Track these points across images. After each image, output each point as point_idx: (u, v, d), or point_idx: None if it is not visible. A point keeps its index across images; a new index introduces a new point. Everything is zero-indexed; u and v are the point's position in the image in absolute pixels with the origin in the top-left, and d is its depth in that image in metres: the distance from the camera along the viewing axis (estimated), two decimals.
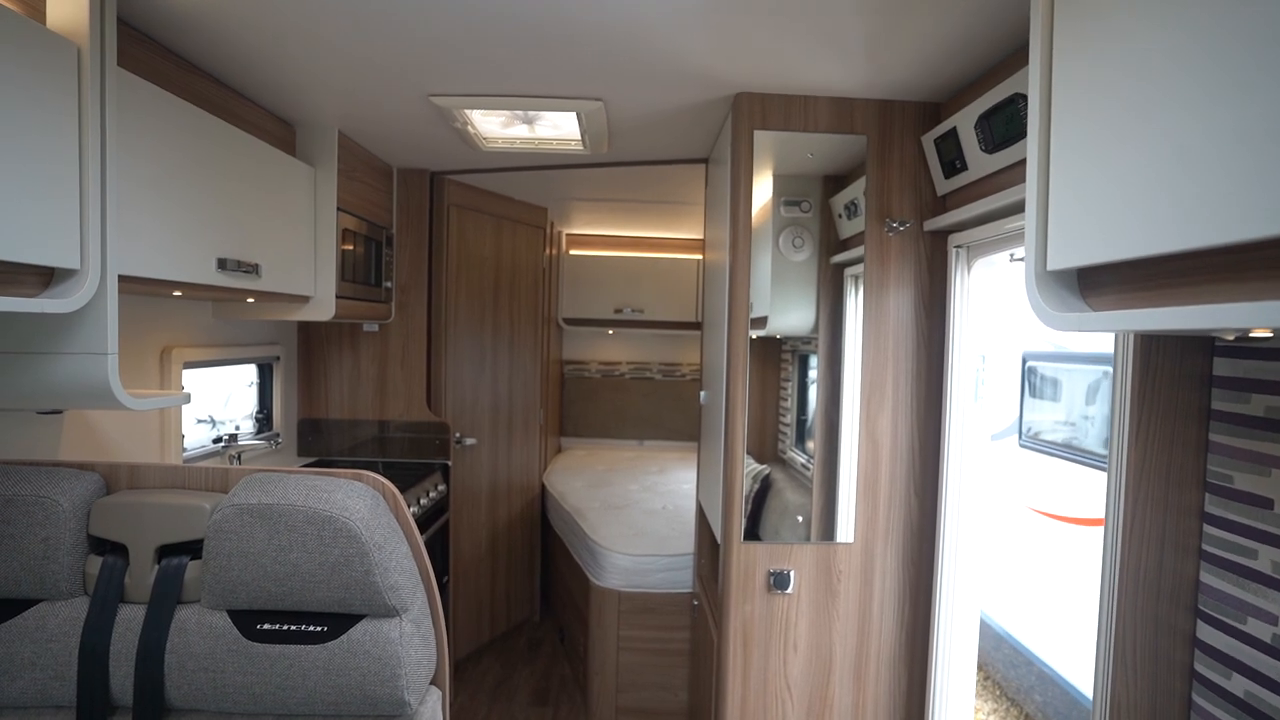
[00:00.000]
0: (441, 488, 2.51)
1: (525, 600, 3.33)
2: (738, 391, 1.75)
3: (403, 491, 2.19)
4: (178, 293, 1.54)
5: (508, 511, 3.15)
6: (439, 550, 2.52)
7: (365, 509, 1.10)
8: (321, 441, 2.61)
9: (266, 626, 1.09)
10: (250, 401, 2.39)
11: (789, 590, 1.73)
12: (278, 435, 2.41)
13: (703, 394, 2.28)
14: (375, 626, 1.09)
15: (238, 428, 2.28)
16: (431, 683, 1.22)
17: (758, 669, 1.76)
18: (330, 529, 1.06)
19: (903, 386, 1.72)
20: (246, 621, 1.10)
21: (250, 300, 1.90)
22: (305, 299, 1.99)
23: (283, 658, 1.08)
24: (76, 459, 1.50)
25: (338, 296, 2.03)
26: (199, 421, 2.04)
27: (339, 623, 1.10)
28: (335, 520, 1.06)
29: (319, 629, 1.09)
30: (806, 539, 1.73)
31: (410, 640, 1.11)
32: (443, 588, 2.55)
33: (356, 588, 1.07)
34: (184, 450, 1.90)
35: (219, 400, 2.23)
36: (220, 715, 1.12)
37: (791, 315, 1.79)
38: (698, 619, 2.26)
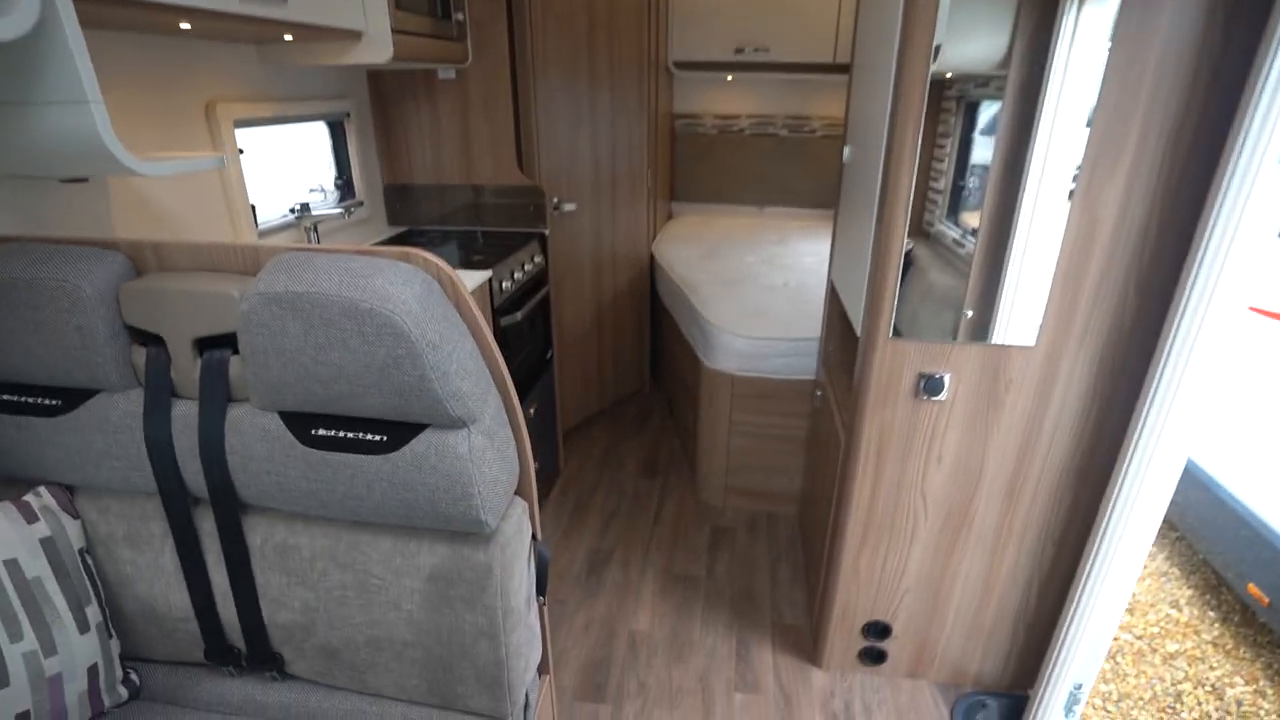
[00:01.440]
0: (539, 259, 2.29)
1: (634, 373, 3.27)
2: (904, 147, 1.29)
3: (496, 263, 2.01)
4: (185, 25, 1.23)
5: (613, 282, 2.94)
6: (541, 324, 2.38)
7: (414, 299, 0.86)
8: (410, 209, 2.41)
9: (322, 432, 0.95)
10: (327, 166, 2.17)
11: (941, 397, 1.43)
12: (360, 203, 2.21)
13: (847, 150, 1.80)
14: (440, 439, 0.91)
15: (323, 192, 2.10)
16: (516, 493, 1.08)
17: (891, 479, 1.54)
18: (372, 324, 0.84)
19: (1152, 146, 1.19)
20: (300, 425, 0.95)
21: (289, 38, 1.56)
22: (356, 35, 1.62)
23: (344, 467, 0.94)
24: (127, 236, 1.36)
25: (395, 31, 1.65)
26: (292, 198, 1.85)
27: (400, 432, 0.93)
28: (377, 314, 0.84)
29: (378, 438, 0.93)
30: (951, 335, 1.37)
31: (482, 455, 0.93)
32: (547, 362, 2.46)
33: (412, 394, 0.88)
34: (257, 225, 1.74)
35: (294, 166, 2.02)
36: (298, 514, 1.04)
37: (974, 44, 1.24)
38: (821, 411, 2.04)
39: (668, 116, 3.56)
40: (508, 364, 2.09)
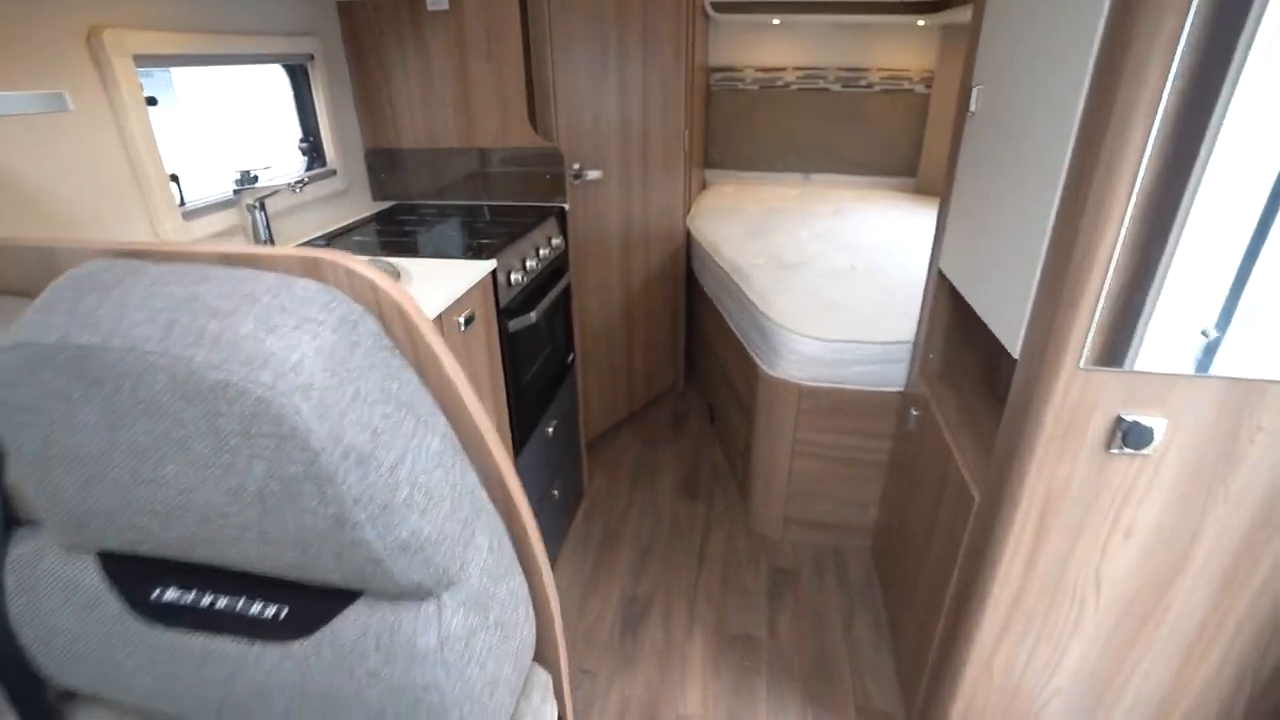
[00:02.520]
0: (558, 240, 1.84)
1: (667, 368, 2.83)
2: (1140, 91, 0.81)
3: (504, 248, 1.56)
4: None
5: (645, 264, 2.48)
6: (561, 322, 1.94)
7: (319, 363, 0.43)
8: (399, 180, 1.96)
9: (169, 597, 0.52)
10: (290, 125, 1.72)
11: (1147, 450, 0.98)
12: (332, 172, 1.77)
13: (976, 94, 1.32)
14: (385, 620, 0.49)
15: (267, 165, 1.66)
16: (535, 659, 0.65)
17: (1054, 553, 1.10)
18: (235, 416, 0.41)
19: None
20: (130, 579, 0.53)
21: None
22: None
23: (213, 658, 0.52)
24: None
25: None
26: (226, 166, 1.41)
27: (311, 603, 0.50)
28: (242, 396, 0.41)
29: (272, 612, 0.51)
30: (1177, 363, 0.91)
31: (467, 648, 0.50)
32: (568, 368, 2.03)
33: (324, 545, 0.45)
34: (182, 204, 1.31)
35: (251, 125, 1.58)
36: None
37: None
38: (918, 435, 1.60)
39: (703, 71, 3.05)
40: (519, 378, 1.67)
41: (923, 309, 1.65)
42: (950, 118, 3.23)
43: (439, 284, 1.24)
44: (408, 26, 1.77)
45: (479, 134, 1.87)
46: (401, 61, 1.81)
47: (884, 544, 1.89)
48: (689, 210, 2.86)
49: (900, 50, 3.07)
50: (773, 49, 3.17)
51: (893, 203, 3.04)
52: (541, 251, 1.71)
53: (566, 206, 1.91)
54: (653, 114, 2.29)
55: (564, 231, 1.91)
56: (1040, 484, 1.04)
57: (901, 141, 3.21)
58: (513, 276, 1.52)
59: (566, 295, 1.96)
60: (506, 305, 1.51)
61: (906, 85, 3.10)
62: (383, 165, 1.94)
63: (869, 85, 3.14)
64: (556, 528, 2.01)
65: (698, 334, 2.82)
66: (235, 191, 1.36)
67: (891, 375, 1.77)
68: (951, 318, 1.56)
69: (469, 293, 1.29)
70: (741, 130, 3.34)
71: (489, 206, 1.91)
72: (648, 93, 2.24)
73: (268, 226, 1.38)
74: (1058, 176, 0.93)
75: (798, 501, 2.02)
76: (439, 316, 1.17)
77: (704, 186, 3.42)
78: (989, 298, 1.20)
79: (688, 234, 2.69)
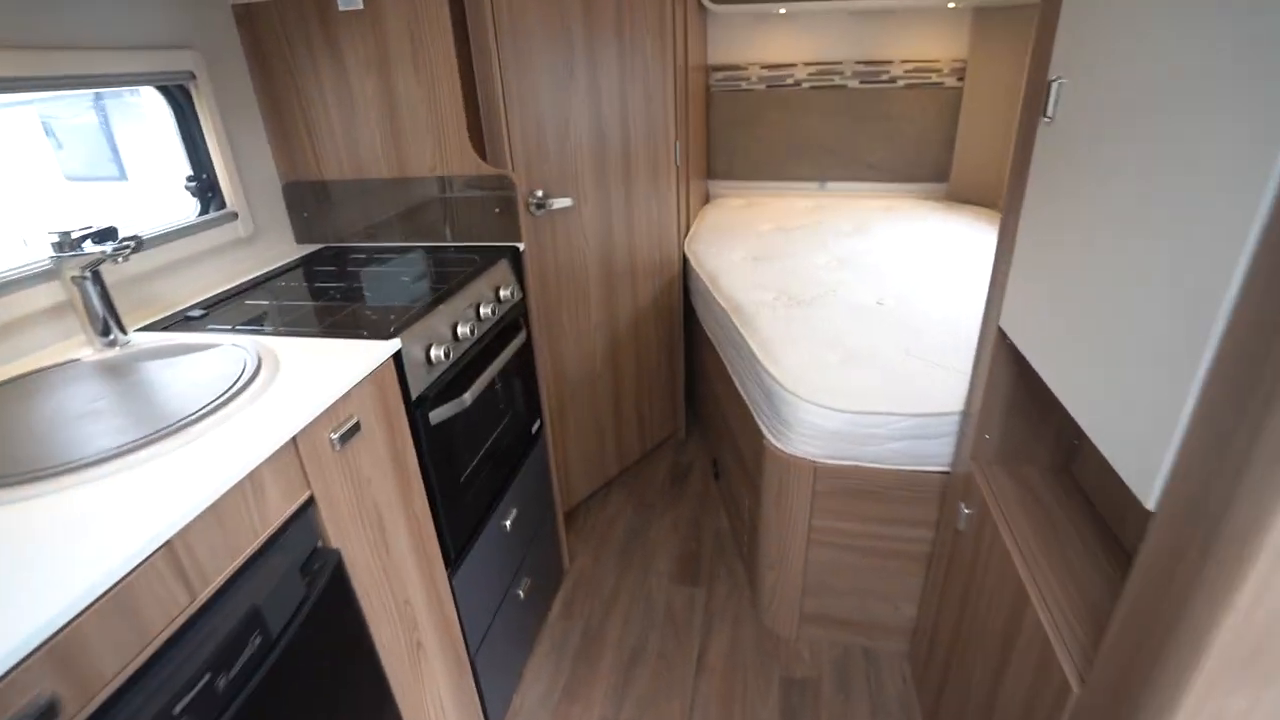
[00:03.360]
0: (509, 291, 1.49)
1: (665, 415, 2.47)
2: None
3: (421, 317, 0.96)
4: None
5: (632, 300, 2.13)
6: (520, 384, 1.59)
7: None
8: (326, 218, 1.63)
9: None
10: (177, 159, 1.39)
11: None
12: (233, 215, 1.44)
13: (1055, 91, 0.94)
14: None
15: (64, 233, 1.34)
16: None
17: None
18: None
19: None
20: None
21: None
22: None
23: None
24: None
25: None
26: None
27: None
28: None
29: None
30: None
31: None
32: (534, 437, 1.68)
33: None
34: None
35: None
36: None
37: None
38: (976, 537, 1.22)
39: (700, 70, 2.69)
40: (452, 477, 1.31)
41: (975, 373, 1.27)
42: (990, 113, 2.87)
43: (317, 378, 0.90)
44: (318, 33, 1.43)
45: (411, 162, 1.52)
46: (315, 77, 1.48)
47: (925, 652, 1.51)
48: (687, 231, 2.50)
49: (927, 38, 2.67)
50: (780, 43, 2.79)
51: (923, 214, 2.65)
52: (485, 309, 1.36)
53: (522, 247, 1.55)
54: (635, 124, 1.93)
55: (520, 277, 1.56)
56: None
57: (930, 143, 2.81)
58: (434, 353, 1.17)
59: (527, 352, 1.61)
60: (426, 391, 1.16)
61: (935, 78, 2.70)
62: (305, 202, 1.61)
63: (891, 80, 2.74)
64: (524, 632, 1.66)
65: (700, 373, 2.46)
66: (54, 258, 1.03)
67: (933, 451, 1.39)
68: (1016, 388, 1.18)
69: (353, 393, 0.94)
70: (748, 136, 2.96)
71: (427, 249, 1.57)
72: (627, 99, 1.88)
73: (105, 299, 1.05)
74: (1245, 225, 0.55)
75: (816, 596, 1.65)
76: (294, 441, 0.82)
77: (706, 200, 3.05)
78: (1086, 391, 0.82)
79: (684, 260, 2.33)
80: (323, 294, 1.29)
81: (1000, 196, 2.76)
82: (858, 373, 1.46)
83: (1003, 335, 1.15)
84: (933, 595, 1.47)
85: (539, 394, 1.69)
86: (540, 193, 1.69)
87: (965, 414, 1.31)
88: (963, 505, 1.27)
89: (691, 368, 2.54)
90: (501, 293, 1.44)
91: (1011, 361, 1.16)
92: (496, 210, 1.52)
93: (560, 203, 1.73)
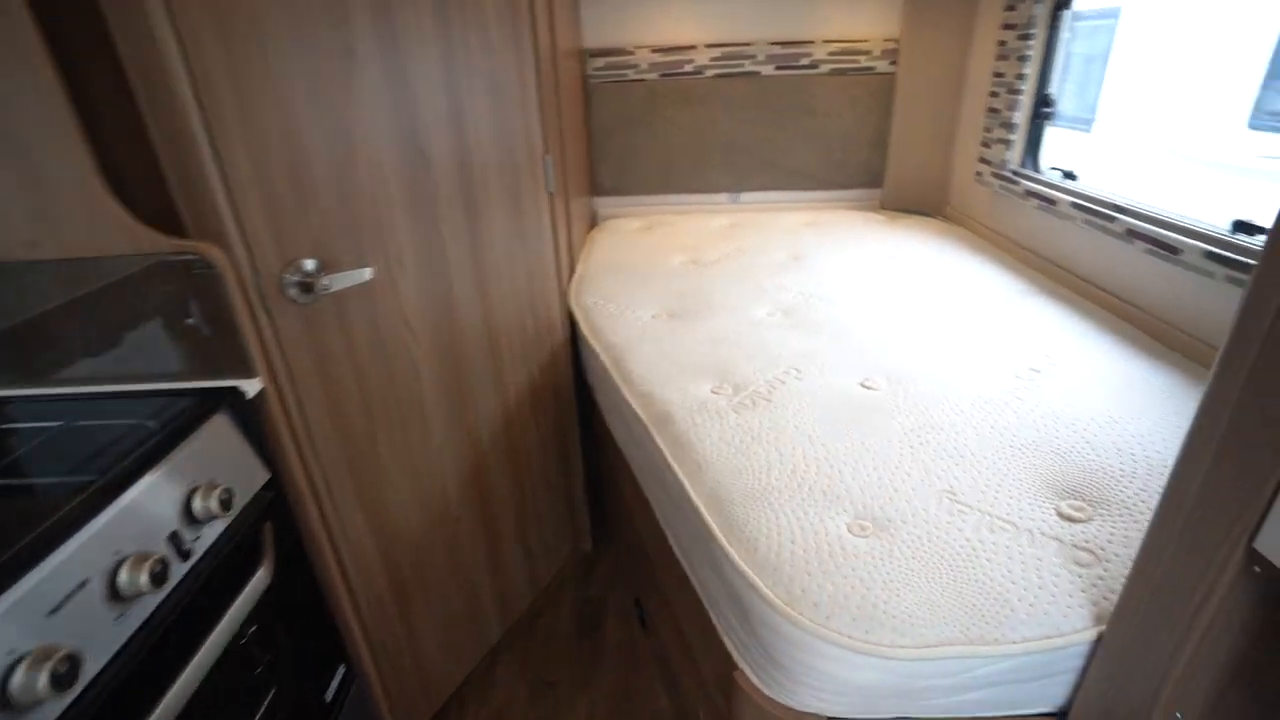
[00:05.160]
0: (225, 492, 0.74)
1: (560, 535, 1.79)
2: None
3: None
4: None
5: (497, 398, 1.43)
6: (289, 636, 0.85)
7: None
8: None
9: None
10: None
11: None
12: None
13: None
14: None
15: None
16: None
17: None
18: None
19: None
20: None
21: None
22: None
23: None
24: None
25: None
26: None
27: None
28: None
29: None
30: None
31: None
32: (334, 703, 0.95)
33: None
34: None
35: None
36: None
37: None
38: None
39: (574, 57, 2.01)
40: None
41: (1142, 594, 0.68)
42: (928, 102, 2.33)
43: None
44: None
45: (10, 234, 0.75)
46: None
47: None
48: (571, 274, 1.82)
49: (853, 13, 2.14)
50: (675, 20, 2.17)
51: (862, 230, 2.12)
52: (165, 557, 0.62)
53: (249, 388, 0.82)
54: (477, 134, 1.23)
55: (261, 444, 0.82)
56: None
57: (860, 141, 2.29)
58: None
59: (293, 576, 0.87)
60: None
61: (863, 61, 2.18)
62: None
63: (813, 64, 2.19)
64: None
65: (608, 473, 1.79)
66: None
67: (1033, 694, 0.80)
68: (1267, 651, 0.60)
69: None
70: (640, 139, 2.32)
71: (69, 401, 0.80)
72: (462, 98, 1.18)
73: None
74: None
75: None
76: None
77: (593, 224, 2.39)
78: None
79: (571, 321, 1.65)
80: None
81: (945, 204, 2.28)
82: (889, 557, 0.84)
83: (1254, 561, 0.56)
84: None
85: (338, 623, 0.96)
86: (310, 264, 0.95)
87: (1109, 649, 0.73)
88: None
89: (592, 457, 1.87)
90: (210, 503, 0.70)
91: (1266, 605, 0.58)
92: (188, 322, 0.78)
93: (350, 277, 0.99)
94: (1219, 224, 1.28)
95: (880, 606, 0.77)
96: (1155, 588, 0.65)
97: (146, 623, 0.64)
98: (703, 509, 0.95)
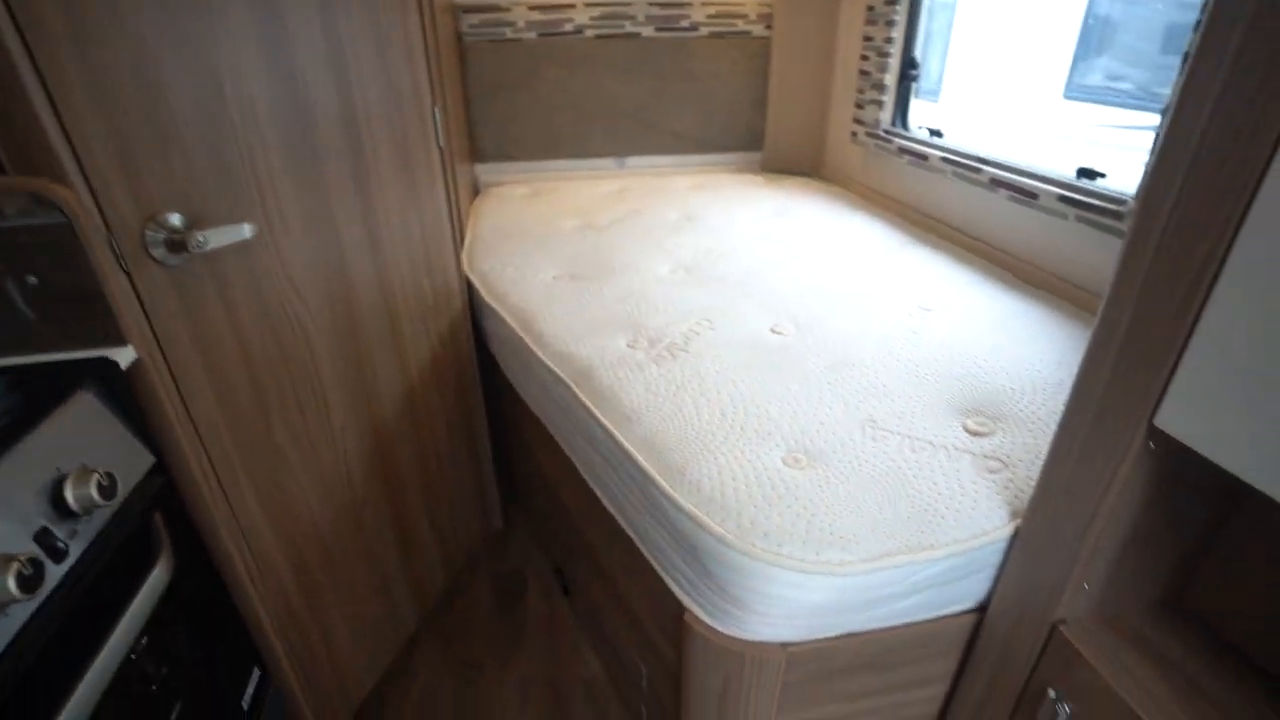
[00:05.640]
0: (116, 473, 0.63)
1: (473, 515, 1.71)
2: None
3: None
4: None
5: (398, 372, 1.34)
6: (197, 639, 0.75)
7: None
8: None
9: None
10: None
11: None
12: None
13: None
14: None
15: None
16: None
17: None
18: None
19: None
20: None
21: None
22: None
23: None
24: None
25: None
26: None
27: None
28: None
29: None
30: None
31: None
32: (252, 710, 0.85)
33: None
34: None
35: None
36: None
37: None
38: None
39: (447, 12, 1.88)
40: None
41: (1053, 488, 0.74)
42: (803, 66, 2.40)
43: None
44: None
45: None
46: None
47: None
48: (464, 240, 1.73)
49: None
50: None
51: (747, 191, 2.18)
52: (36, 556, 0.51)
53: (121, 358, 0.70)
54: (362, 84, 1.12)
55: (141, 417, 0.71)
56: None
57: (741, 104, 2.34)
58: None
59: (195, 574, 0.77)
60: None
61: (740, 25, 2.22)
62: None
63: (693, 26, 2.20)
64: None
65: (515, 441, 1.74)
66: None
67: (962, 592, 0.87)
68: (1158, 515, 0.68)
69: None
70: (521, 102, 2.23)
71: None
72: (344, 45, 1.06)
73: None
74: None
75: None
76: None
77: (476, 192, 2.28)
78: None
79: (469, 286, 1.57)
80: None
81: (822, 165, 2.40)
82: (826, 483, 0.87)
83: (1154, 440, 0.63)
84: None
85: (248, 623, 0.86)
86: (176, 219, 0.82)
87: (1025, 540, 0.80)
88: (1060, 702, 0.76)
89: (499, 432, 1.80)
90: (86, 490, 0.59)
91: (1159, 477, 0.65)
92: (30, 278, 0.65)
93: (227, 234, 0.87)
94: (1067, 173, 1.43)
95: (826, 529, 0.80)
96: (1065, 477, 0.72)
97: (19, 637, 0.53)
98: (640, 458, 0.94)
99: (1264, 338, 0.52)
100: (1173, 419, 0.60)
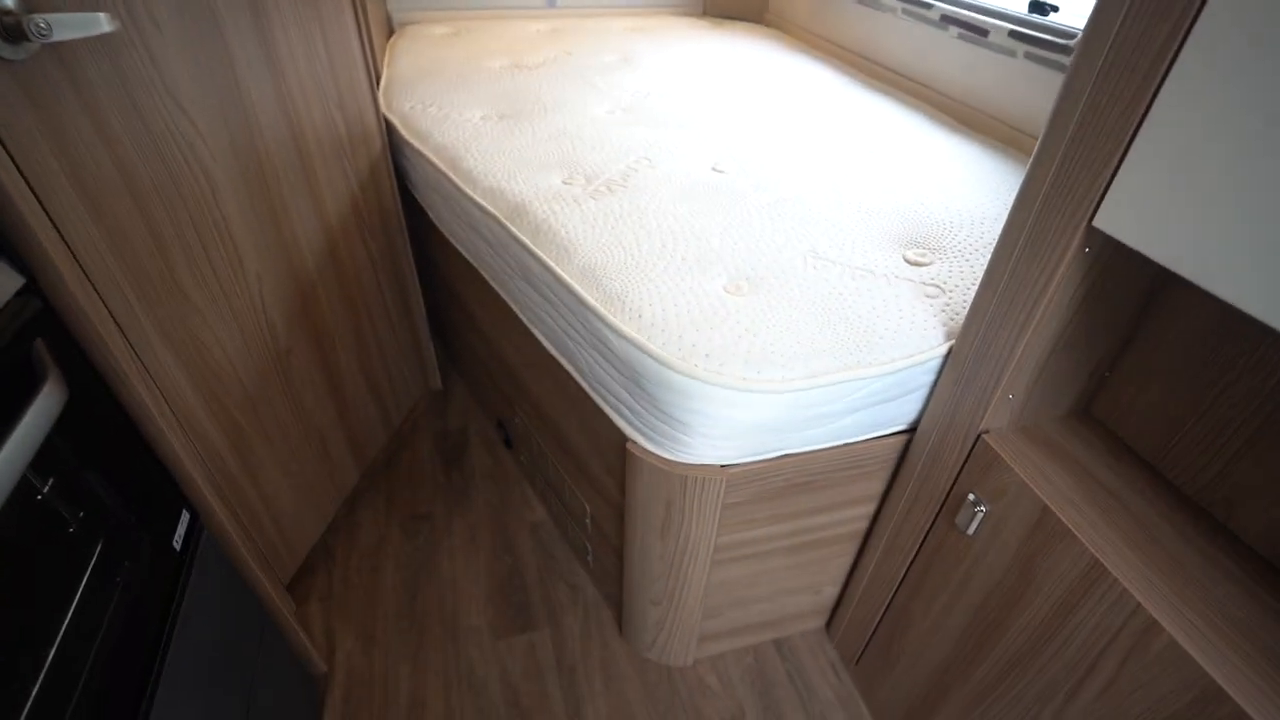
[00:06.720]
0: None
1: (407, 372, 1.67)
2: None
3: None
4: None
5: (315, 215, 1.23)
6: (107, 478, 0.71)
7: None
8: None
9: None
10: None
11: None
12: None
13: None
14: None
15: None
16: None
17: None
18: None
19: None
20: None
21: None
22: None
23: None
24: None
25: None
26: None
27: None
28: None
29: None
30: None
31: None
32: (184, 551, 0.83)
33: None
34: None
35: None
36: None
37: None
38: (995, 545, 0.78)
39: None
40: None
41: (988, 300, 0.75)
42: None
43: None
44: None
45: None
46: None
47: (860, 630, 1.14)
48: (380, 79, 1.57)
49: None
50: None
51: (689, 34, 2.03)
52: None
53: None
54: None
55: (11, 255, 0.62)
56: None
57: None
58: None
59: (99, 403, 0.71)
60: None
61: None
62: None
63: None
64: None
65: (447, 293, 1.67)
66: None
67: (894, 412, 0.90)
68: (1086, 319, 0.70)
69: None
70: None
71: None
72: None
73: None
74: None
75: (720, 615, 1.15)
76: None
77: (391, 33, 2.04)
78: None
79: (389, 128, 1.43)
80: None
81: (767, 9, 2.25)
82: (768, 308, 0.86)
83: (1090, 245, 0.63)
84: (879, 578, 1.06)
85: (167, 462, 0.81)
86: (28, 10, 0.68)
87: (957, 356, 0.82)
88: (977, 504, 0.81)
89: (430, 285, 1.73)
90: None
91: (1088, 285, 0.66)
92: None
93: (75, 23, 0.73)
94: (1019, 8, 1.37)
95: (767, 349, 0.79)
96: (1002, 285, 0.73)
97: None
98: (578, 288, 0.90)
99: (1203, 137, 0.51)
100: (1111, 218, 0.60)
